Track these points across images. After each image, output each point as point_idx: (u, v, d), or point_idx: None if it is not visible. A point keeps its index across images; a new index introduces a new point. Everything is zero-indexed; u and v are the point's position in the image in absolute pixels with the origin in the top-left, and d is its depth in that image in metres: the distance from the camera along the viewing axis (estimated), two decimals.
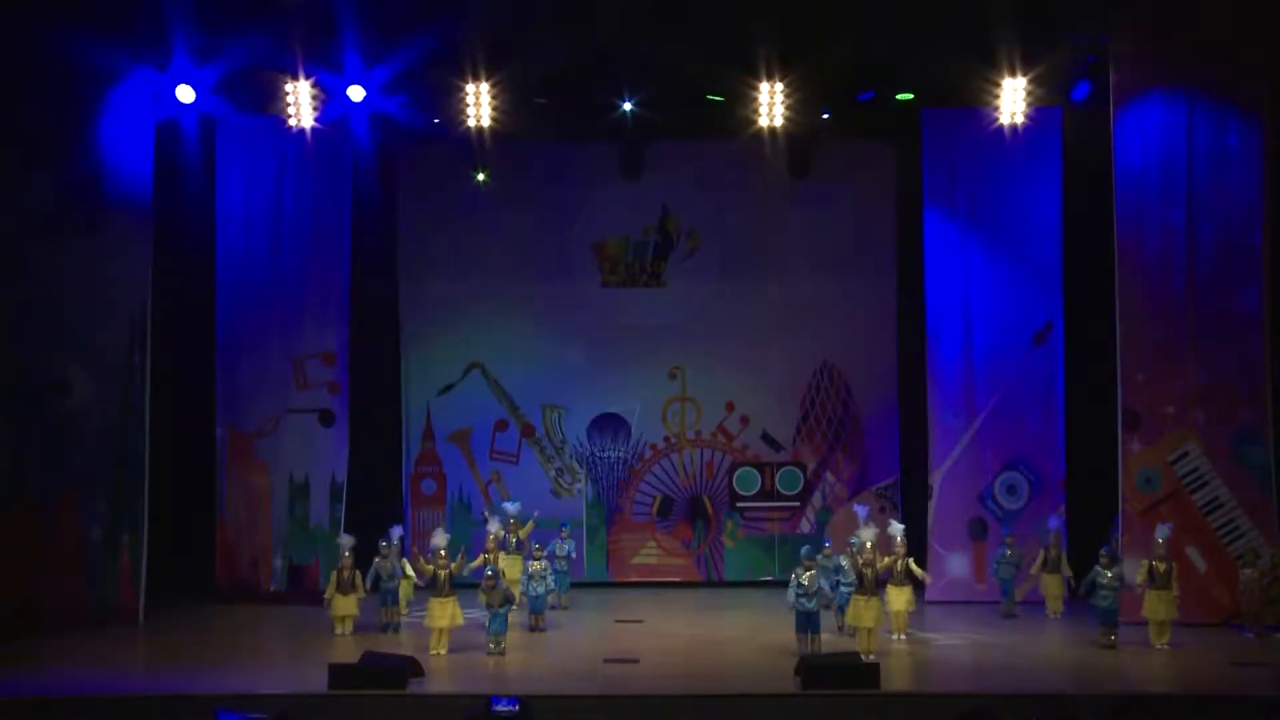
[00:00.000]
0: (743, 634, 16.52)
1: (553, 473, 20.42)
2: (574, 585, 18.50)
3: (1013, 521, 18.19)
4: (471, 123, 17.83)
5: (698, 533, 20.38)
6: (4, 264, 16.73)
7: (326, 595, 16.52)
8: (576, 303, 20.32)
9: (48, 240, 16.81)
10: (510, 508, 18.12)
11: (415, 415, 20.37)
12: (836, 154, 19.59)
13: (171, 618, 17.45)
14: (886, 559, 15.65)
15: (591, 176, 20.19)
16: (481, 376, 20.41)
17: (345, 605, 16.34)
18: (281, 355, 18.81)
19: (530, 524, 17.86)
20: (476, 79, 17.62)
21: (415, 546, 17.80)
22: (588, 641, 16.07)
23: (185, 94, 17.13)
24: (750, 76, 17.59)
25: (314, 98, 17.69)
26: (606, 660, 14.79)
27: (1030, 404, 18.52)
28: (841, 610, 15.81)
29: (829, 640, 15.06)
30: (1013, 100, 17.61)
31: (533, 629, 16.46)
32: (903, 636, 15.92)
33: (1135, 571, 15.69)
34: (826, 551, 16.73)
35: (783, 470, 20.30)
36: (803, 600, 14.75)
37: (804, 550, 15.43)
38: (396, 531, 17.06)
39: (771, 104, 17.69)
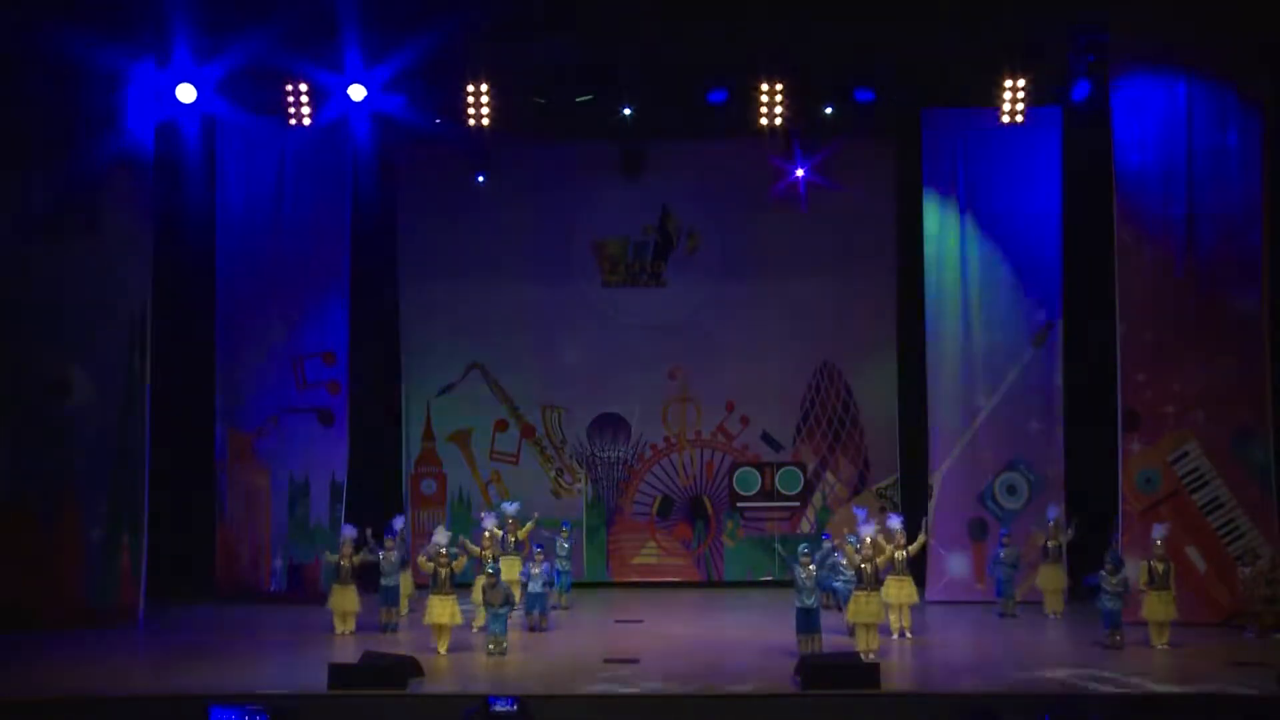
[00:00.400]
0: (743, 634, 16.51)
1: (553, 473, 20.42)
2: (574, 585, 18.49)
3: (1013, 521, 18.19)
4: (471, 123, 17.84)
5: (698, 533, 20.39)
6: (4, 264, 16.76)
7: (336, 559, 16.39)
8: (576, 303, 20.33)
9: (48, 240, 16.83)
10: (510, 508, 18.11)
11: (415, 415, 20.37)
12: (837, 154, 19.57)
13: (171, 618, 17.46)
14: (887, 549, 15.64)
15: (591, 176, 20.20)
16: (481, 376, 20.41)
17: (345, 600, 16.30)
18: (281, 355, 18.81)
19: (530, 525, 17.85)
20: (476, 79, 17.62)
21: (414, 546, 17.80)
22: (588, 641, 16.06)
23: (186, 94, 17.11)
24: (750, 76, 17.59)
25: (314, 98, 17.69)
26: (606, 660, 14.79)
27: (1030, 404, 18.52)
28: (840, 607, 15.79)
29: (829, 640, 15.04)
30: (1012, 100, 17.61)
31: (533, 629, 16.45)
32: (906, 634, 15.92)
33: (1137, 574, 15.67)
34: (825, 546, 16.74)
35: (783, 470, 20.30)
36: (803, 596, 14.71)
37: (801, 547, 15.42)
38: (399, 522, 17.06)
39: (772, 104, 17.69)
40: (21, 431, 16.76)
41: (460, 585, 15.62)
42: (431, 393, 20.37)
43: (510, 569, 16.98)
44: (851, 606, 15.20)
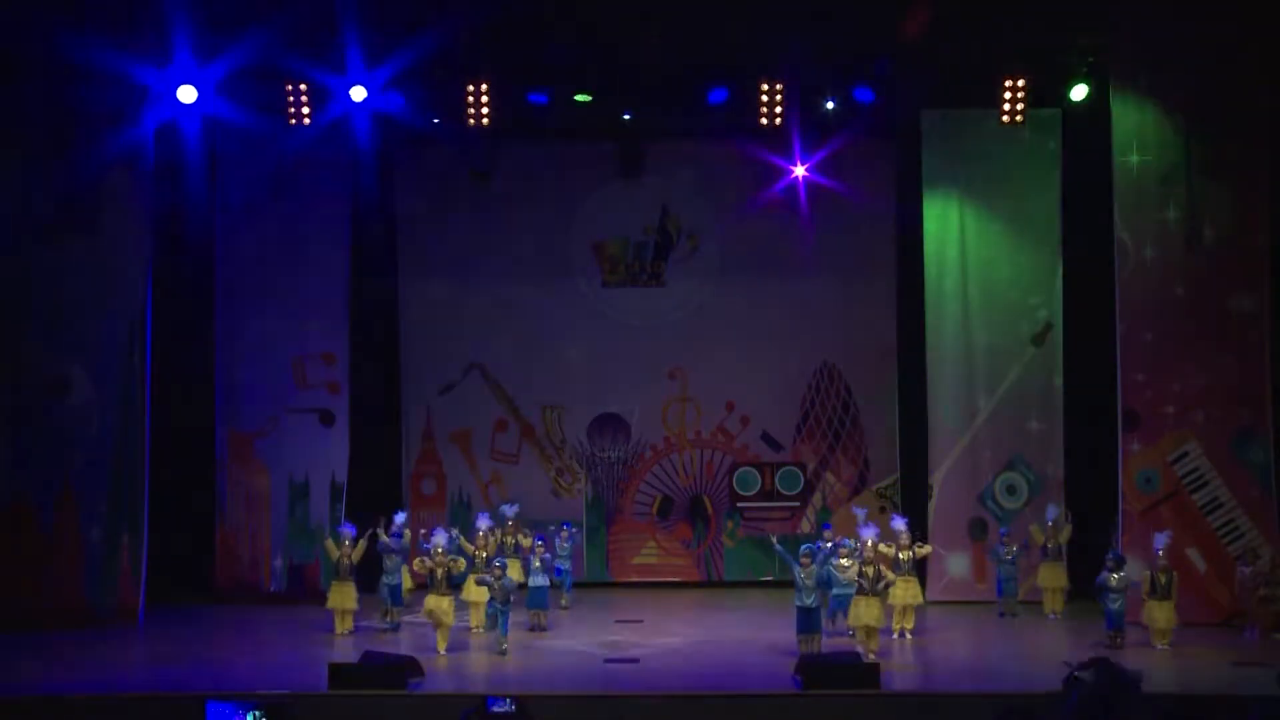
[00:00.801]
0: (743, 634, 16.51)
1: (553, 473, 20.41)
2: (574, 585, 18.49)
3: (1012, 521, 18.19)
4: (471, 122, 17.84)
5: (698, 533, 20.38)
6: (4, 264, 16.75)
7: (337, 554, 16.35)
8: (576, 303, 20.31)
9: (48, 240, 16.82)
10: (509, 511, 18.11)
11: (415, 415, 20.36)
12: (837, 154, 19.56)
13: (171, 618, 17.46)
14: (891, 551, 15.63)
15: (591, 176, 20.19)
16: (481, 376, 20.40)
17: (344, 597, 16.25)
18: (281, 355, 18.82)
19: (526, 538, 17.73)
20: (476, 79, 17.63)
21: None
22: (588, 641, 16.06)
23: (186, 94, 17.10)
24: (750, 76, 17.59)
25: (314, 98, 17.69)
26: (606, 660, 14.79)
27: (1030, 404, 18.53)
28: (834, 614, 15.75)
29: (829, 640, 15.04)
30: (1012, 101, 17.61)
31: (533, 628, 16.45)
32: (907, 634, 15.92)
33: (1140, 573, 15.66)
34: (826, 536, 16.74)
35: (783, 470, 20.30)
36: (803, 596, 14.70)
37: (803, 548, 15.41)
38: (401, 518, 17.05)
39: (772, 104, 17.69)
40: (21, 431, 16.75)
41: (457, 586, 15.65)
42: (431, 393, 20.35)
43: (510, 571, 16.94)
44: (853, 611, 15.18)
